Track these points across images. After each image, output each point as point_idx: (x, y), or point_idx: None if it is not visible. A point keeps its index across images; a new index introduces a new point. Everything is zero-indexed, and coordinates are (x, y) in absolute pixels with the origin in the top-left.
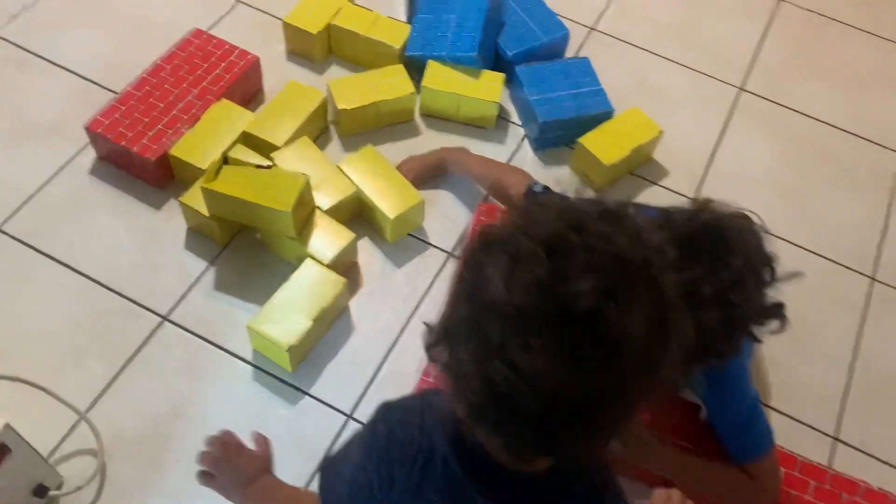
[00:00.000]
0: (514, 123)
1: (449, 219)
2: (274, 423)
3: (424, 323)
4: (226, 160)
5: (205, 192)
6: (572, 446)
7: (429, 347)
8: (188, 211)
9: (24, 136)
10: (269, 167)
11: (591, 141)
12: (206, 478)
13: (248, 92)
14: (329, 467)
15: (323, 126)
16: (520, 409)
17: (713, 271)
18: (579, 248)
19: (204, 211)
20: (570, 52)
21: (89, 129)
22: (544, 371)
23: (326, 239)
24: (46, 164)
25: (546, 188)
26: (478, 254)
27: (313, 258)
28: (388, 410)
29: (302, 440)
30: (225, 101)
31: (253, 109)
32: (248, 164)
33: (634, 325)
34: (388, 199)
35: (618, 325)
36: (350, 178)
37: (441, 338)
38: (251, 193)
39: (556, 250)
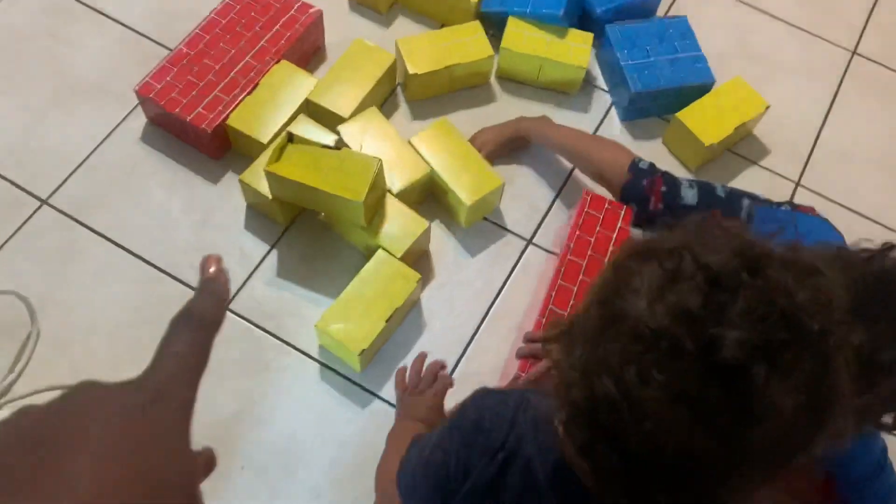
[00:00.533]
0: (600, 89)
1: (527, 201)
2: (343, 426)
3: (553, 309)
4: (290, 137)
5: (269, 176)
6: None
7: (546, 340)
8: (248, 190)
9: (68, 95)
10: (338, 148)
11: (690, 116)
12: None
13: (308, 50)
14: (415, 440)
15: (390, 90)
16: (616, 440)
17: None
18: (749, 289)
19: (266, 192)
20: (662, 7)
21: (140, 94)
22: (655, 411)
23: (399, 227)
24: (94, 128)
25: (651, 165)
26: (632, 259)
27: (385, 249)
28: (482, 397)
29: (372, 445)
30: (286, 63)
31: (314, 68)
32: (315, 143)
33: (784, 399)
34: (465, 183)
35: (762, 392)
36: (423, 157)
37: (563, 334)
38: (319, 179)
39: (722, 284)
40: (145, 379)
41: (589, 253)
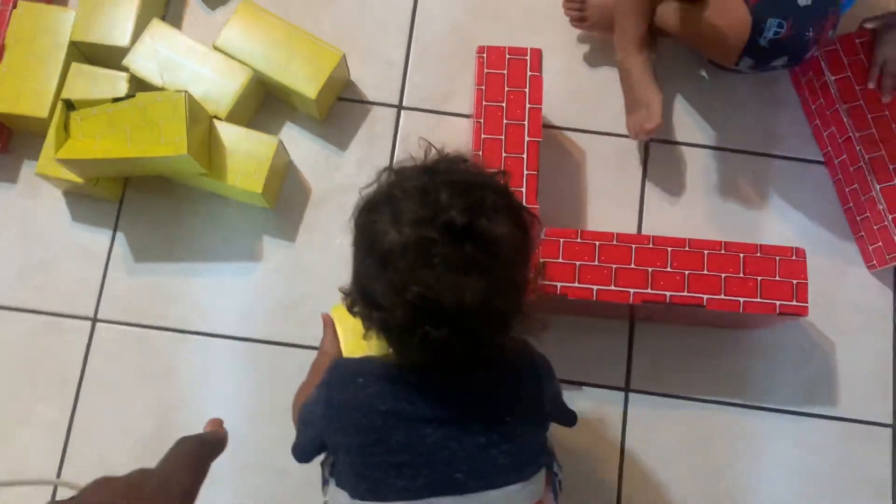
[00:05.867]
0: None
1: (378, 59)
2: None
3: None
4: (69, 105)
5: (65, 164)
6: (491, 336)
7: (352, 308)
8: (54, 180)
9: None
10: (131, 96)
11: None
12: None
13: None
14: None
15: None
16: (442, 317)
17: None
18: (442, 184)
19: (75, 178)
20: None
21: None
22: (449, 280)
23: (245, 157)
24: None
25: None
26: (366, 214)
27: (244, 190)
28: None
29: None
30: (27, 5)
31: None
32: (101, 101)
33: (503, 228)
34: (300, 70)
35: (490, 230)
36: (237, 59)
37: (359, 294)
38: (126, 145)
39: (427, 190)
40: (154, 470)
41: (504, 122)
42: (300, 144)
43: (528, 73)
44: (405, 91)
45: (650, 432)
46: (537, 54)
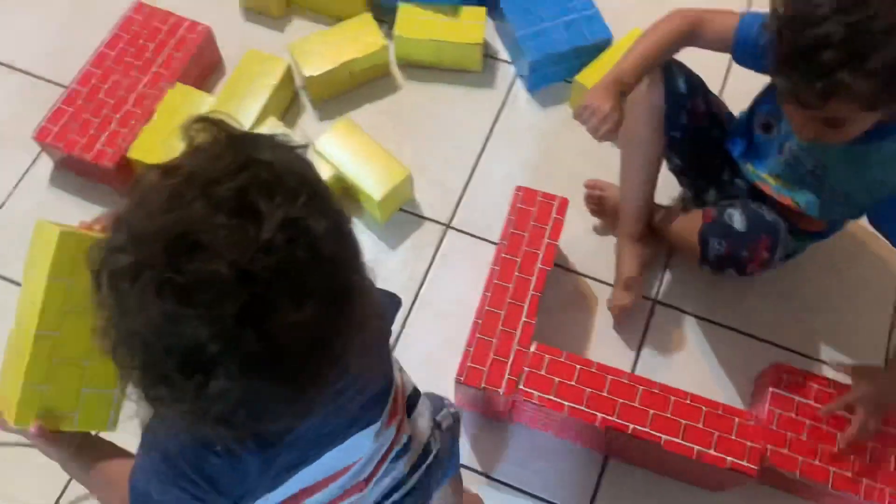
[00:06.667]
0: (503, 61)
1: (441, 185)
2: None
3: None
4: None
5: None
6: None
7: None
8: None
9: None
10: None
11: (591, 77)
12: None
13: (205, 67)
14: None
15: (292, 95)
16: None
17: None
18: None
19: None
20: None
21: (38, 140)
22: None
23: None
24: (2, 178)
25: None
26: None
27: None
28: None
29: None
30: (180, 86)
31: (213, 85)
32: None
33: (320, 223)
34: (373, 178)
35: (313, 232)
36: (327, 160)
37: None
38: None
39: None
40: None
41: (523, 249)
42: (359, 237)
43: (553, 216)
44: (456, 214)
45: None
46: (564, 203)
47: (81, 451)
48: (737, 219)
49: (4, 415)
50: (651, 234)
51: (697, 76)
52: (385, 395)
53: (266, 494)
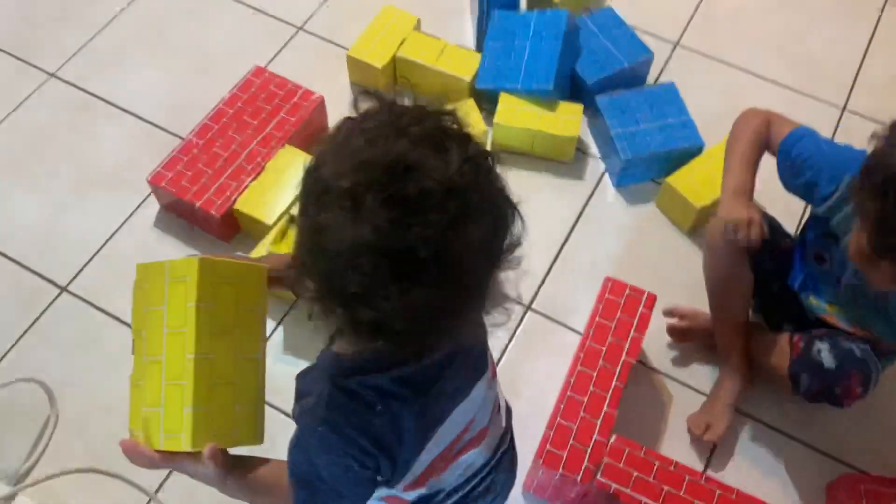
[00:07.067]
0: (593, 156)
1: (524, 267)
2: None
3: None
4: (292, 219)
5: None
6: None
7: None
8: None
9: (87, 186)
10: None
11: (681, 180)
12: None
13: (313, 133)
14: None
15: None
16: (411, 279)
17: None
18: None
19: None
20: (653, 71)
21: (152, 183)
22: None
23: None
24: (111, 216)
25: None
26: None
27: None
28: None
29: None
30: (289, 148)
31: None
32: None
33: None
34: None
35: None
36: None
37: (303, 269)
38: None
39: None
40: None
41: (609, 339)
42: None
43: (640, 309)
44: (537, 296)
45: None
46: (652, 298)
47: (235, 467)
48: (825, 355)
49: (155, 444)
50: (751, 362)
51: (770, 215)
52: (486, 352)
53: (414, 463)
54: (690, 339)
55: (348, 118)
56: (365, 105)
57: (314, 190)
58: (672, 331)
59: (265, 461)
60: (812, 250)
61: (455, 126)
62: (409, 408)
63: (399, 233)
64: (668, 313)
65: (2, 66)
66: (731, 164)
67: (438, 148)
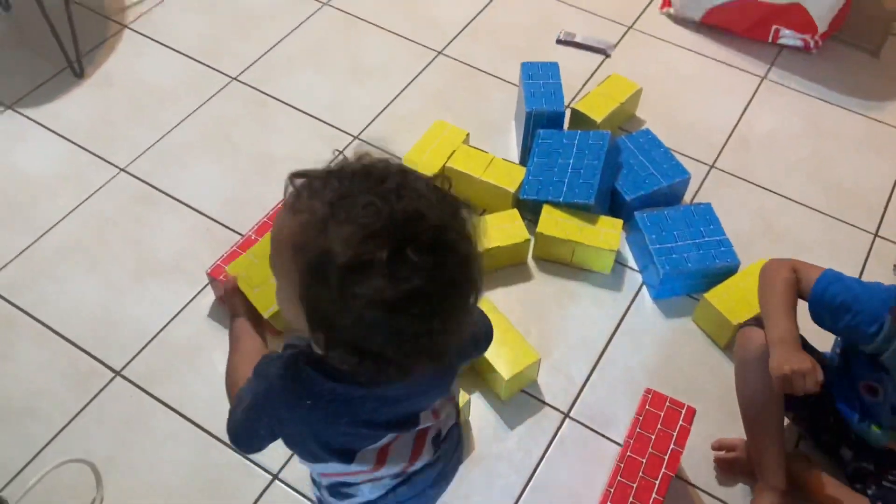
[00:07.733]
0: (631, 269)
1: (563, 375)
2: None
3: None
4: None
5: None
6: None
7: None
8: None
9: (147, 275)
10: None
11: (718, 297)
12: None
13: None
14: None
15: None
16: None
17: None
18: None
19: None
20: (689, 191)
21: (211, 275)
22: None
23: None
24: (167, 305)
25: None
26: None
27: None
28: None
29: None
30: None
31: None
32: None
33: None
34: (503, 357)
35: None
36: None
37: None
38: None
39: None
40: None
41: (649, 451)
42: (479, 412)
43: (680, 423)
44: (575, 404)
45: None
46: (691, 412)
47: (245, 322)
48: None
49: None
50: (790, 483)
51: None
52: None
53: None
54: (739, 469)
55: (314, 201)
56: (299, 182)
57: (340, 271)
58: (721, 463)
59: (260, 349)
60: (861, 383)
61: (393, 168)
62: (335, 426)
63: (440, 272)
64: (717, 447)
65: (79, 160)
66: (770, 313)
67: (412, 193)
